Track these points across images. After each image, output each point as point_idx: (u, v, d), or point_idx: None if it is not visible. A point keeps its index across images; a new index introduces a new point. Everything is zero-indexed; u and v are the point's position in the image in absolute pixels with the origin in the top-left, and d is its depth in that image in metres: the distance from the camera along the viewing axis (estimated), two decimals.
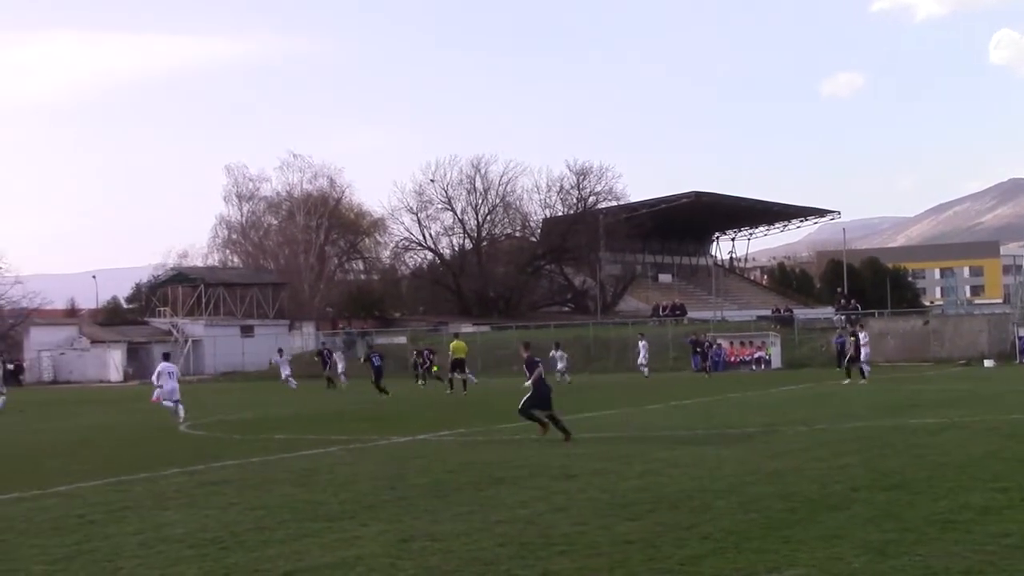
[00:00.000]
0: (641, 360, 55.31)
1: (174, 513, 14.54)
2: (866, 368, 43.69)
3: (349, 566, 10.74)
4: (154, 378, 35.50)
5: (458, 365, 46.15)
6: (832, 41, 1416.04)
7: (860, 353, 43.67)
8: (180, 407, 33.76)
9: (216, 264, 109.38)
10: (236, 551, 11.71)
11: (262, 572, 10.63)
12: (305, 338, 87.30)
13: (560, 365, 51.89)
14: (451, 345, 47.12)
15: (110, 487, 17.62)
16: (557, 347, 53.37)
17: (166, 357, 37.27)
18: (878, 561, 10.23)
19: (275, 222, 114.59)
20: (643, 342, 56.03)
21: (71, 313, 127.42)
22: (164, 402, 34.29)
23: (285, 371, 55.78)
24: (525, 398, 23.73)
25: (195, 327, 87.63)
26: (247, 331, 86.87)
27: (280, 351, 59.15)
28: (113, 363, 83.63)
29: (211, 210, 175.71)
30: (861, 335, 44.45)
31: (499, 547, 11.40)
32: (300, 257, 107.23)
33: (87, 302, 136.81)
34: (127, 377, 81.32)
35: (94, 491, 17.18)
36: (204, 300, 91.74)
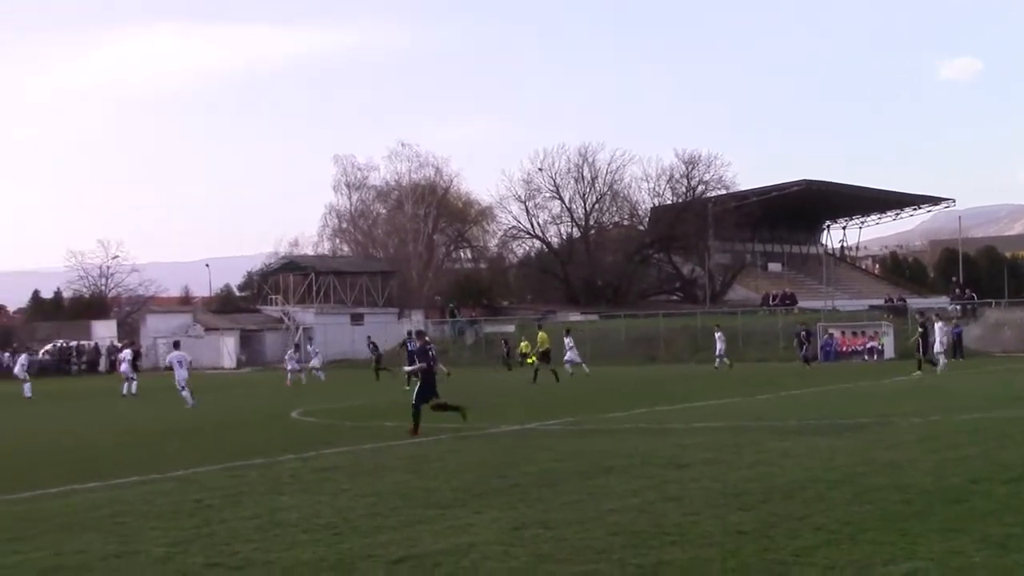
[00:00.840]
0: (718, 351, 54.61)
1: (288, 498, 14.74)
2: (941, 360, 43.14)
3: (462, 553, 10.78)
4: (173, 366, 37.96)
5: (545, 356, 46.26)
6: (950, 25, 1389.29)
7: (929, 345, 43.32)
8: (186, 393, 36.51)
9: (326, 253, 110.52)
10: (350, 537, 11.83)
11: (375, 558, 10.71)
12: (414, 326, 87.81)
13: (569, 355, 50.21)
14: (538, 337, 47.21)
15: (225, 472, 17.93)
16: (567, 333, 52.06)
17: (176, 346, 39.08)
18: (999, 555, 10.01)
19: (384, 211, 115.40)
20: (719, 333, 55.37)
21: (185, 301, 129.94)
22: (183, 392, 36.39)
23: (315, 362, 56.64)
24: (416, 390, 23.89)
25: (306, 315, 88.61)
26: (357, 319, 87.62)
27: (310, 339, 59.29)
28: (226, 350, 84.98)
29: (322, 200, 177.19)
30: (938, 325, 43.97)
31: (611, 536, 11.37)
32: (409, 246, 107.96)
33: (201, 290, 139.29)
34: (240, 364, 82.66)
35: (210, 476, 17.49)
36: (315, 288, 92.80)
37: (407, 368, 26.13)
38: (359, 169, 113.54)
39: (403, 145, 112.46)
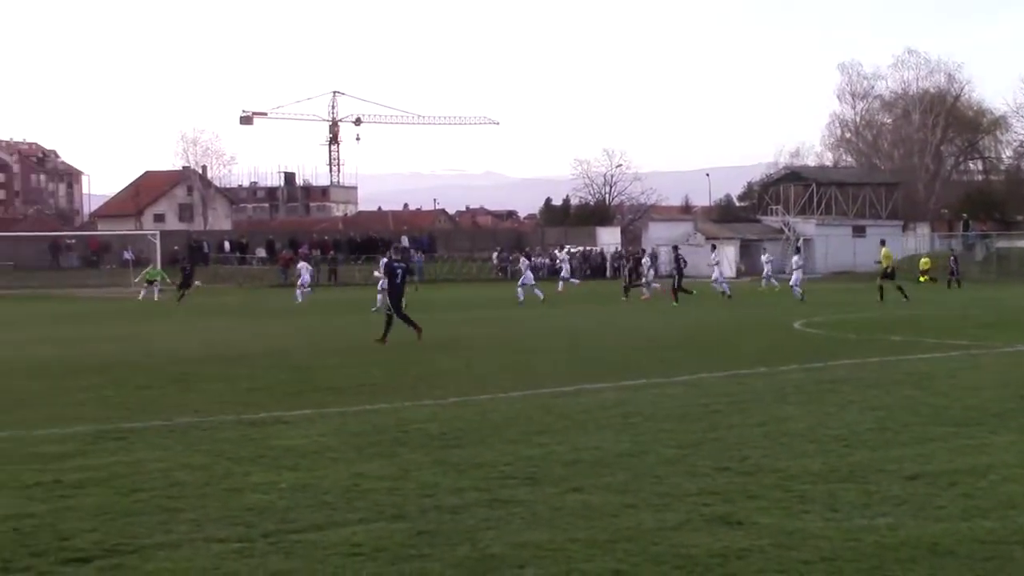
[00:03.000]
0: None
1: (794, 408, 14.68)
2: None
3: (979, 473, 10.35)
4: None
5: (889, 274, 43.40)
6: None
7: None
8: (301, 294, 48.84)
9: (828, 164, 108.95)
10: (859, 449, 11.63)
11: (888, 472, 10.46)
12: (919, 240, 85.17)
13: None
14: (881, 253, 44.21)
15: (730, 379, 18.09)
16: (715, 250, 54.70)
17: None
18: None
19: (888, 121, 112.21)
20: None
21: (686, 210, 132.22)
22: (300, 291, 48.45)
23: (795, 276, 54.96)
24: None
25: (806, 226, 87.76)
26: (859, 231, 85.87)
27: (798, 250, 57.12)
28: (727, 259, 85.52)
29: (823, 109, 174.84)
30: None
31: None
32: (914, 157, 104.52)
33: (700, 199, 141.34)
34: (739, 273, 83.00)
35: (715, 382, 17.71)
36: (816, 199, 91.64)
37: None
38: (864, 78, 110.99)
39: (910, 52, 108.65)
